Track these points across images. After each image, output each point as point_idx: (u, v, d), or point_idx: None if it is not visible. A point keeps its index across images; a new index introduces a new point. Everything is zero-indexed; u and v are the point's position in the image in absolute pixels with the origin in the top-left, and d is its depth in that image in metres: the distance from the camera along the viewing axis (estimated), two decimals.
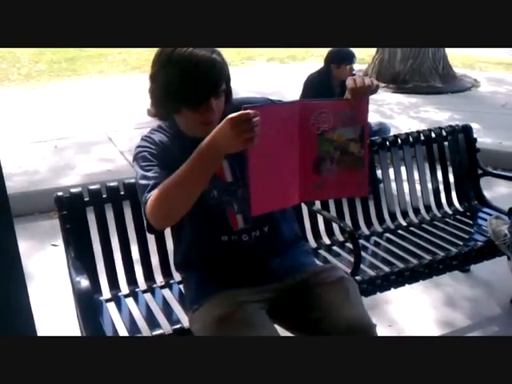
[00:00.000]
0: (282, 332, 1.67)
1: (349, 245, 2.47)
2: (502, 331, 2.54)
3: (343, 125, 1.55)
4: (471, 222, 2.74)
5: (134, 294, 2.14)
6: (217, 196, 1.64)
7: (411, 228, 2.68)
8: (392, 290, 2.30)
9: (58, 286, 2.67)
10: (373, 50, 7.47)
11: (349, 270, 2.12)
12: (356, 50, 3.88)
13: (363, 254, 2.31)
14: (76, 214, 2.04)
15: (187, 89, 1.48)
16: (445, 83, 6.93)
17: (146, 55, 8.34)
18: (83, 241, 2.05)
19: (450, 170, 2.92)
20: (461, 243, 2.48)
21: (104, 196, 2.10)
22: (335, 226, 2.57)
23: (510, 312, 2.69)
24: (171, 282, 2.19)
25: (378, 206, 2.71)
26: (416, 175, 2.80)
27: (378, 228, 2.68)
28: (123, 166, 4.20)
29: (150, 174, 1.52)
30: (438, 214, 2.83)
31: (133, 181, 1.92)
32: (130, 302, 2.11)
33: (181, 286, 2.12)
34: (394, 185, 2.76)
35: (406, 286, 2.34)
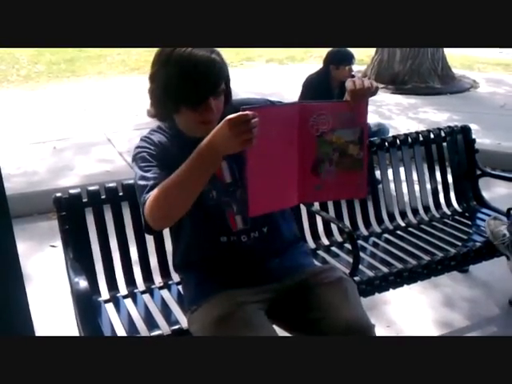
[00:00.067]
0: (281, 332, 1.66)
1: (347, 245, 2.47)
2: (500, 331, 2.54)
3: (342, 126, 1.55)
4: (470, 223, 2.75)
5: (132, 295, 2.14)
6: (216, 197, 1.64)
7: (410, 229, 2.69)
8: (390, 290, 2.30)
9: (57, 287, 2.67)
10: (372, 51, 7.47)
11: (347, 271, 2.12)
12: (355, 51, 3.88)
13: (362, 254, 2.30)
14: (75, 214, 2.04)
15: (187, 88, 1.48)
16: (444, 84, 6.93)
17: (145, 56, 8.35)
18: (82, 242, 2.05)
19: (449, 170, 2.92)
20: (459, 244, 2.49)
21: (103, 197, 2.10)
22: (334, 227, 2.57)
23: (509, 312, 2.69)
24: (170, 282, 2.19)
25: (377, 207, 2.71)
26: (415, 176, 2.81)
27: (376, 229, 2.68)
28: (122, 166, 4.20)
29: (148, 174, 1.52)
30: (437, 215, 2.83)
31: (131, 182, 1.92)
32: (128, 302, 2.11)
33: (179, 287, 2.12)
34: (392, 185, 2.76)
35: (405, 286, 2.35)
